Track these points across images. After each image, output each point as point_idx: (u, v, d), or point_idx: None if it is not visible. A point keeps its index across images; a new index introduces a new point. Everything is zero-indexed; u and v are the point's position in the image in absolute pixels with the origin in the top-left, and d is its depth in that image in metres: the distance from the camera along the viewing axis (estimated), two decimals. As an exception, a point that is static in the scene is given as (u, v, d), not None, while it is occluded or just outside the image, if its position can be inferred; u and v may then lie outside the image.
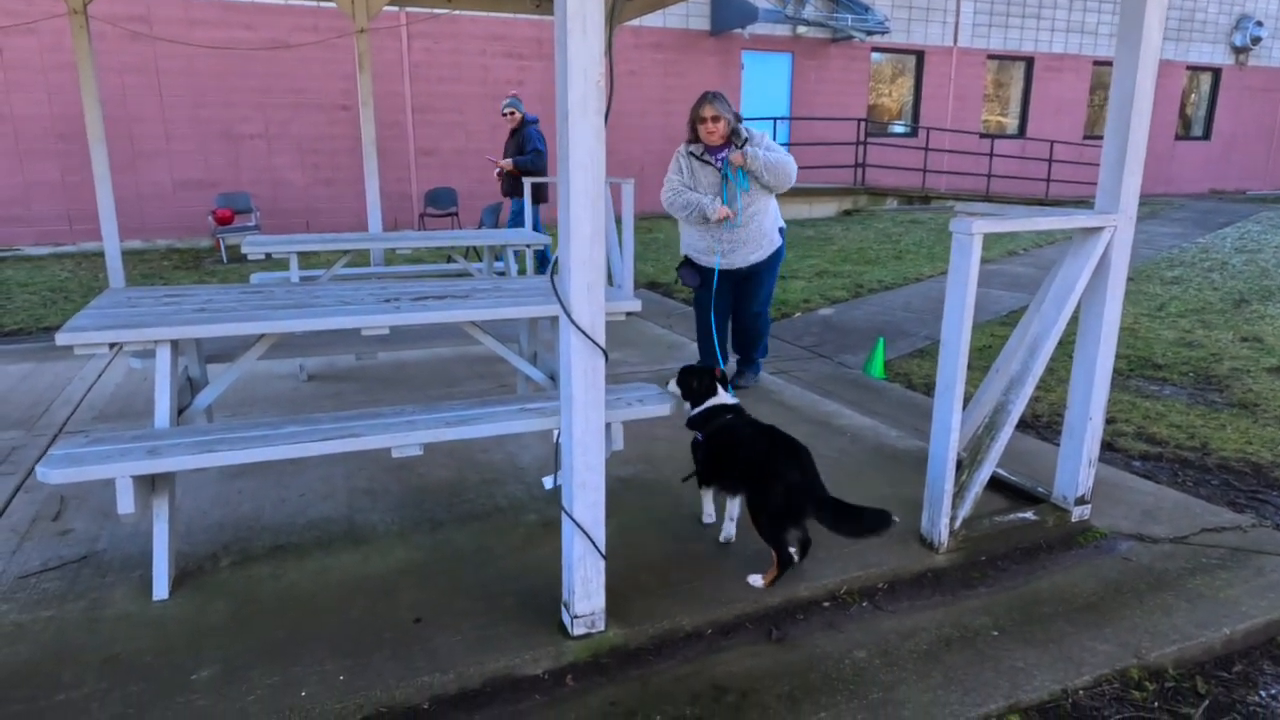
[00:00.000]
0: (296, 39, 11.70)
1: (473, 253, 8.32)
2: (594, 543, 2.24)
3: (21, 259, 10.73)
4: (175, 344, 2.66)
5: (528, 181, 7.06)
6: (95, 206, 10.82)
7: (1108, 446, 4.06)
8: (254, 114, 11.80)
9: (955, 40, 16.85)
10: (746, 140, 4.20)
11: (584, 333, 2.08)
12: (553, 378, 3.47)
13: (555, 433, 2.37)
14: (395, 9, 7.92)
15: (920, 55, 16.72)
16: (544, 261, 7.22)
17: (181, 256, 11.00)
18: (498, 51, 13.08)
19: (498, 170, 7.74)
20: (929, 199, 15.63)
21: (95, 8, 10.60)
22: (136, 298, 2.97)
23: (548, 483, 2.44)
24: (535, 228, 7.00)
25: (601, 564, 2.28)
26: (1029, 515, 3.07)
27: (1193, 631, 2.46)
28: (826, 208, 14.90)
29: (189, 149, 11.60)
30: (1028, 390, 2.92)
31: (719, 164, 4.22)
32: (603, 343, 2.11)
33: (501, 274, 5.99)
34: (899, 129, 17.13)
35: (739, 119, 4.22)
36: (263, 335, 2.90)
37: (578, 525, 2.22)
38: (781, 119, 14.96)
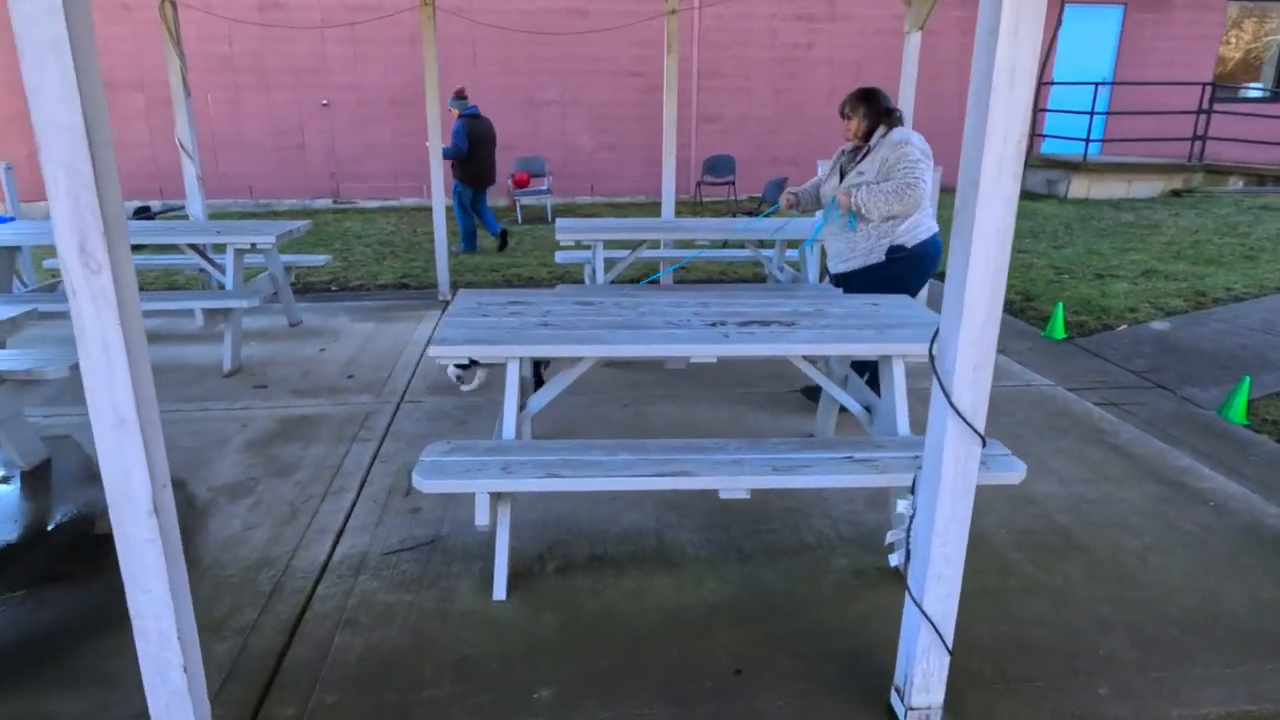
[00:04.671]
0: (598, 9, 12.10)
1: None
2: (942, 637, 2.05)
3: (357, 211, 12.29)
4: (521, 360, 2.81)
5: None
6: (418, 166, 12.15)
7: None
8: (552, 81, 12.45)
9: (1350, -18, 13.70)
10: (870, 151, 3.95)
11: (963, 418, 1.86)
12: (868, 409, 3.27)
13: (902, 505, 2.18)
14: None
15: (1297, 2, 13.82)
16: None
17: (483, 215, 11.98)
18: (788, 14, 12.67)
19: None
20: (1289, 180, 13.02)
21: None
22: (485, 304, 3.17)
23: (894, 560, 2.21)
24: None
25: (947, 659, 2.09)
26: None
27: None
28: (1148, 186, 12.93)
29: (494, 115, 12.46)
30: None
31: (839, 165, 4.17)
32: (983, 429, 1.88)
33: (793, 265, 5.81)
34: (1254, 93, 14.37)
35: (882, 115, 3.91)
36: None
37: (926, 617, 2.03)
38: (1103, 84, 13.12)
